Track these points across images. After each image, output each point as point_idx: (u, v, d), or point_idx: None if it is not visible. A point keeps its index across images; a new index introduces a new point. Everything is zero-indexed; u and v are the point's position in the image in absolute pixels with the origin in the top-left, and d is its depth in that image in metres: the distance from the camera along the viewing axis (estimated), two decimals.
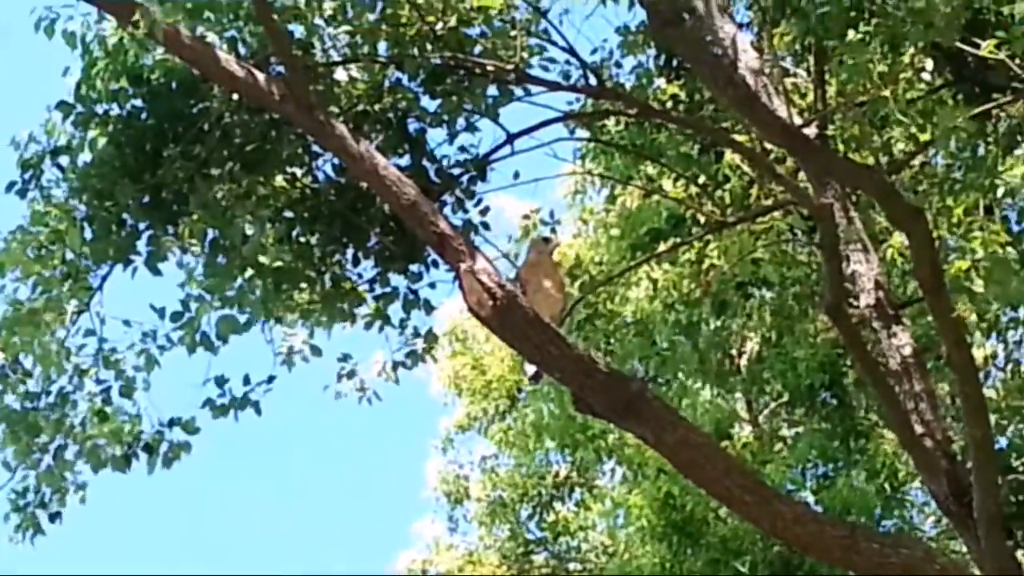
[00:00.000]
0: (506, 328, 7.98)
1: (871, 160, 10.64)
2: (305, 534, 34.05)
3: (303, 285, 9.73)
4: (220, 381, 9.65)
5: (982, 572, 9.10)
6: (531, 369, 8.32)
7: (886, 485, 15.17)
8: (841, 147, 10.64)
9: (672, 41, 9.00)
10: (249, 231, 9.26)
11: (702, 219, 11.48)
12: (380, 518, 33.27)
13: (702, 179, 11.58)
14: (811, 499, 15.46)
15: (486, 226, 9.83)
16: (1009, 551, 9.15)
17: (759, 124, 8.49)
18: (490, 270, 7.93)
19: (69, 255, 9.39)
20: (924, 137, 10.12)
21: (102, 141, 9.20)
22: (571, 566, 22.45)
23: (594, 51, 11.76)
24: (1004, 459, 10.03)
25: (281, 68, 8.90)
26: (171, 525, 33.33)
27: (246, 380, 9.64)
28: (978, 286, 9.01)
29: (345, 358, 10.53)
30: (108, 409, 9.70)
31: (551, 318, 8.04)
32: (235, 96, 9.14)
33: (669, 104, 11.46)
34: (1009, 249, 9.44)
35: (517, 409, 20.56)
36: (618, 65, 11.98)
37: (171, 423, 9.72)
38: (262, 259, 9.43)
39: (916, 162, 11.49)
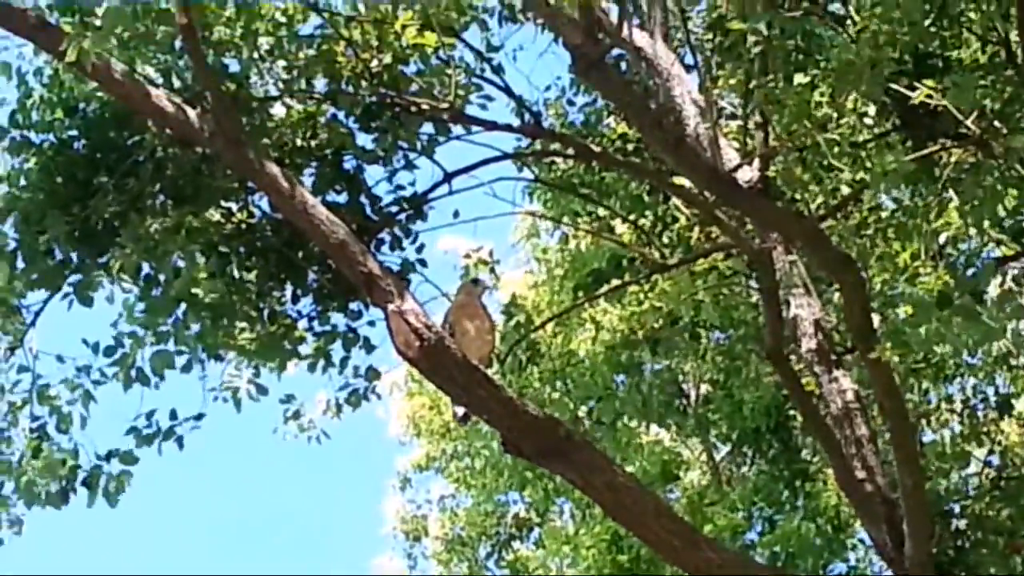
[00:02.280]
0: (434, 369, 7.95)
1: (813, 204, 10.59)
2: (268, 570, 33.89)
3: (243, 324, 9.65)
4: (149, 415, 9.64)
5: None
6: (460, 410, 8.27)
7: (829, 527, 15.11)
8: (785, 190, 10.59)
9: (596, 84, 8.96)
10: (182, 265, 9.20)
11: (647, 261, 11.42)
12: (340, 555, 33.16)
13: (648, 221, 11.54)
14: (757, 541, 15.44)
15: (423, 263, 9.79)
16: None
17: (685, 168, 8.45)
18: (418, 311, 7.88)
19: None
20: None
21: (36, 170, 9.16)
22: None
23: (547, 88, 11.83)
24: (941, 504, 9.97)
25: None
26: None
27: (173, 415, 9.62)
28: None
29: (289, 399, 10.52)
30: (44, 445, 9.62)
31: (479, 360, 8.00)
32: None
33: (617, 143, 11.44)
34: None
35: (474, 448, 20.46)
36: (570, 103, 12.02)
37: (108, 456, 9.67)
38: (198, 293, 9.36)
39: (865, 208, 11.43)
